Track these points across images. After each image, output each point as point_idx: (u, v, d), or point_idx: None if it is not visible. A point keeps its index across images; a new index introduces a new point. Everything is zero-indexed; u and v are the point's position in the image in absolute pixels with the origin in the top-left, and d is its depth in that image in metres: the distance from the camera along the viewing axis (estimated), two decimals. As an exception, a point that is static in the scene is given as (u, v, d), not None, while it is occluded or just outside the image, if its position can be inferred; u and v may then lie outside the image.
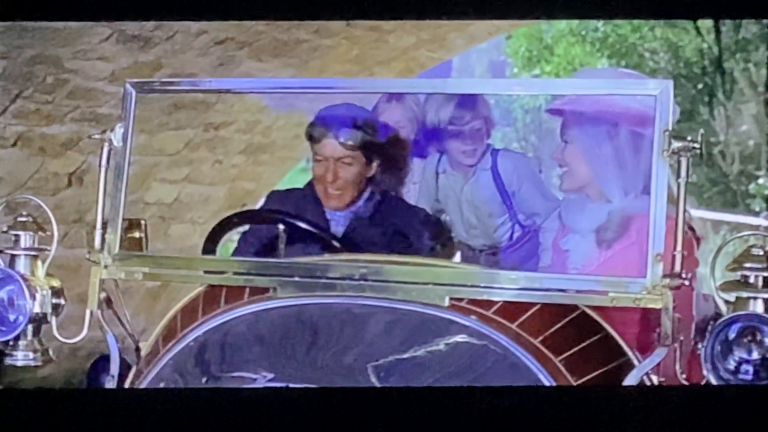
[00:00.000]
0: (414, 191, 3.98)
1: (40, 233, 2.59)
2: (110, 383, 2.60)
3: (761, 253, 2.31)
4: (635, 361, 2.44)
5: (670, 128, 2.34)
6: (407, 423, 2.28)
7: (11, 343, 2.56)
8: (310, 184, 3.48)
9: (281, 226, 3.13)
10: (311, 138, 3.37)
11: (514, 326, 2.40)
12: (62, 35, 4.66)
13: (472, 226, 3.87)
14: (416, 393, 2.29)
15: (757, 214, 11.70)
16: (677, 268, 2.31)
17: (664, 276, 2.30)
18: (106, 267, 2.61)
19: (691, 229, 2.84)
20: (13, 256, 2.57)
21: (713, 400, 2.27)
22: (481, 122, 3.81)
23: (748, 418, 2.24)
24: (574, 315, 2.47)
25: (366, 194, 3.43)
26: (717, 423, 2.26)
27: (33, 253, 2.58)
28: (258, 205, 3.89)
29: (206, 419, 2.32)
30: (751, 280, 2.30)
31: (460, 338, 2.38)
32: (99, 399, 2.50)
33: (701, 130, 2.38)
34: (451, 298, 2.43)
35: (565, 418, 2.28)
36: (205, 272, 2.72)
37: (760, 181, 12.15)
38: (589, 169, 2.87)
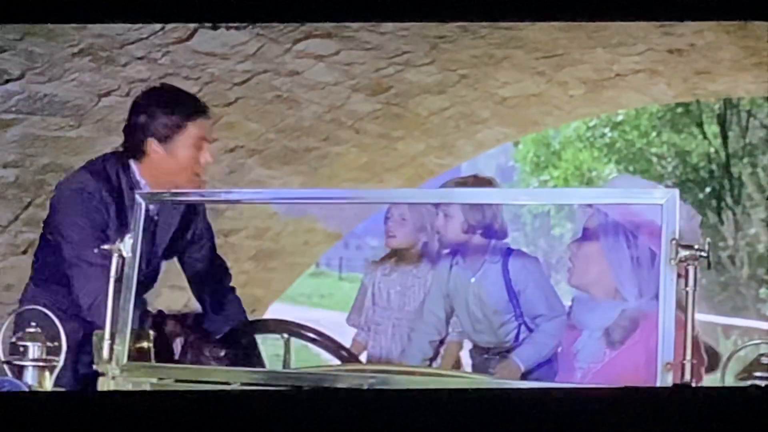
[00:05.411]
0: (419, 286, 4.02)
1: (48, 344, 2.58)
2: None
3: (771, 361, 2.29)
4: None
5: (677, 237, 2.33)
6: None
7: (18, 455, 2.54)
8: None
9: (285, 335, 3.14)
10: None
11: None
12: (74, 144, 4.72)
13: (477, 320, 3.85)
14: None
15: (768, 318, 11.64)
16: (687, 377, 2.29)
17: (674, 384, 2.28)
18: (113, 378, 2.59)
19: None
20: (21, 367, 2.56)
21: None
22: (494, 227, 3.83)
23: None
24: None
25: None
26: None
27: (41, 364, 2.57)
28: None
29: (191, 422, 2.24)
30: (762, 389, 2.27)
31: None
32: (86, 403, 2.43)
33: (708, 239, 2.36)
34: (460, 409, 2.41)
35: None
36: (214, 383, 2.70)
37: (771, 285, 12.11)
38: (606, 268, 2.88)
